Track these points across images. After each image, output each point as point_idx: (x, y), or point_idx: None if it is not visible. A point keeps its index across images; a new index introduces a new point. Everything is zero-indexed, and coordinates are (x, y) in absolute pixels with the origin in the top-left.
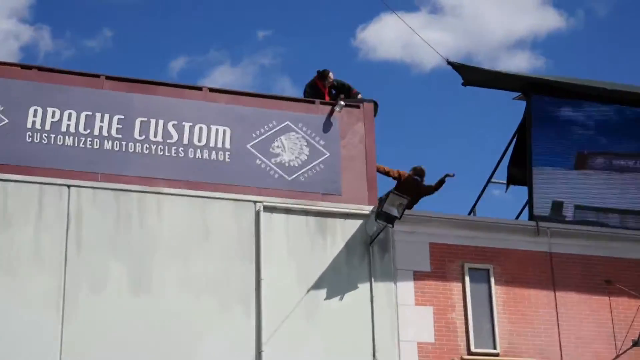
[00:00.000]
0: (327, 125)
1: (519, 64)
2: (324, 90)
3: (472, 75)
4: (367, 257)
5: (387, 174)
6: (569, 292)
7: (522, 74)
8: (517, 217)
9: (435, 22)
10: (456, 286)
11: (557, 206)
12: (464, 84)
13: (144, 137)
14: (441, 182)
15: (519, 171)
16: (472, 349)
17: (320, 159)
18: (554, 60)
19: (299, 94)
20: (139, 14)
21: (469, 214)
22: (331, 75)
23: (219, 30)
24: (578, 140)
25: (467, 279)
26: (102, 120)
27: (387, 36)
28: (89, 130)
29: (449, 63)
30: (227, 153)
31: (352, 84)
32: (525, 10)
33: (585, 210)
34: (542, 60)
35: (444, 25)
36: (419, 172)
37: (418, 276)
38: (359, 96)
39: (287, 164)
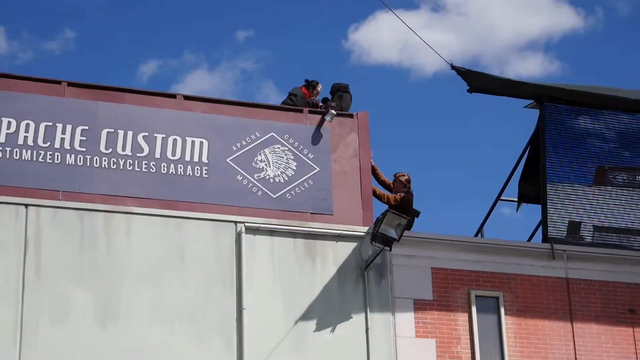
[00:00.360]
0: (316, 137)
1: (531, 67)
2: (308, 101)
3: (478, 81)
4: (361, 283)
5: (379, 198)
6: (588, 322)
7: (535, 83)
8: (529, 239)
9: (437, 21)
10: (461, 316)
11: (574, 227)
12: (469, 91)
13: (110, 150)
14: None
15: (532, 188)
16: None
17: (309, 175)
18: (569, 64)
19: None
20: (105, 12)
21: (476, 235)
22: (319, 87)
23: (194, 31)
24: (597, 154)
25: (473, 308)
26: (63, 132)
27: (382, 37)
28: (49, 143)
29: (453, 68)
30: (204, 168)
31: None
32: (538, 8)
33: (605, 231)
34: (557, 64)
35: (447, 25)
36: (407, 183)
37: (419, 305)
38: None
39: (271, 180)
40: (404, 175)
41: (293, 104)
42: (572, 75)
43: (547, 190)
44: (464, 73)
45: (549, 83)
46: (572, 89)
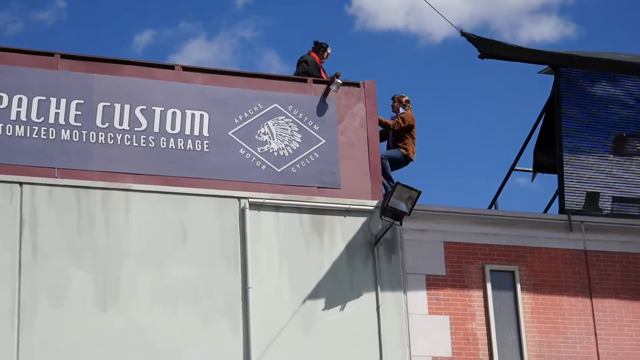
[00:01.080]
0: (321, 108)
1: (545, 32)
2: (320, 66)
3: (490, 48)
4: (371, 260)
5: (383, 126)
6: (608, 295)
7: (549, 51)
8: (545, 211)
9: None
10: (476, 292)
11: (592, 198)
12: (481, 57)
13: (107, 124)
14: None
15: (547, 157)
16: None
17: (315, 147)
18: (585, 27)
19: (288, 71)
20: None
21: (490, 207)
22: (329, 50)
23: None
24: (616, 121)
25: (488, 283)
26: (57, 106)
27: (388, 1)
28: (42, 118)
29: (463, 34)
30: (205, 142)
31: (349, 58)
32: None
33: (625, 202)
34: (572, 27)
35: None
36: (407, 103)
37: (431, 281)
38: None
39: (275, 154)
40: (403, 96)
41: (306, 71)
42: (589, 40)
43: (564, 159)
44: (475, 40)
45: (563, 51)
46: (589, 57)
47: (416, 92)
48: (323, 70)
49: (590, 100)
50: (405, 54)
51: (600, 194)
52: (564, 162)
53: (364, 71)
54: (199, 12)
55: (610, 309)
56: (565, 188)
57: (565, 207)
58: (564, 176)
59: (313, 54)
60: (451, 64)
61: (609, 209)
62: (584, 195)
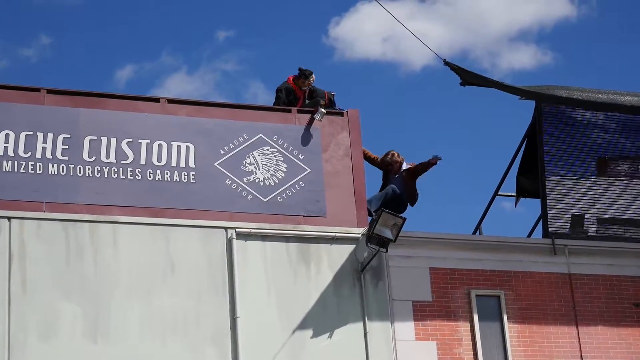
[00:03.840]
0: (306, 137)
1: (523, 59)
2: (300, 94)
3: (473, 78)
4: (358, 287)
5: (372, 161)
6: (593, 318)
7: (531, 91)
8: (529, 235)
9: (424, 11)
10: (462, 317)
11: (577, 221)
12: (462, 84)
13: (94, 158)
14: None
15: (530, 181)
16: None
17: (300, 176)
18: (563, 54)
19: (272, 102)
20: (81, 16)
21: (474, 232)
22: (313, 77)
23: (171, 32)
24: (598, 144)
25: (474, 308)
26: (44, 141)
27: (366, 30)
28: (30, 153)
29: (446, 64)
30: (191, 173)
31: (330, 88)
32: None
33: (609, 223)
34: (550, 55)
35: (434, 15)
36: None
37: (418, 307)
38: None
39: (261, 183)
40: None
41: (280, 100)
42: (566, 67)
43: (546, 183)
44: (458, 70)
45: (545, 86)
46: (570, 98)
47: (399, 119)
48: (304, 97)
49: (571, 125)
50: (386, 82)
51: (585, 215)
52: (547, 186)
53: (346, 100)
54: (179, 46)
55: (595, 332)
56: (548, 212)
57: (549, 231)
58: (547, 200)
59: (291, 82)
60: (432, 91)
61: (594, 230)
62: (568, 218)
